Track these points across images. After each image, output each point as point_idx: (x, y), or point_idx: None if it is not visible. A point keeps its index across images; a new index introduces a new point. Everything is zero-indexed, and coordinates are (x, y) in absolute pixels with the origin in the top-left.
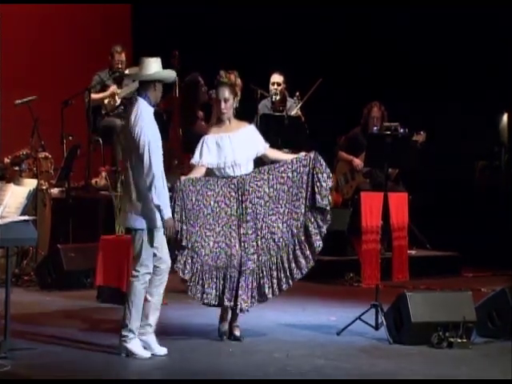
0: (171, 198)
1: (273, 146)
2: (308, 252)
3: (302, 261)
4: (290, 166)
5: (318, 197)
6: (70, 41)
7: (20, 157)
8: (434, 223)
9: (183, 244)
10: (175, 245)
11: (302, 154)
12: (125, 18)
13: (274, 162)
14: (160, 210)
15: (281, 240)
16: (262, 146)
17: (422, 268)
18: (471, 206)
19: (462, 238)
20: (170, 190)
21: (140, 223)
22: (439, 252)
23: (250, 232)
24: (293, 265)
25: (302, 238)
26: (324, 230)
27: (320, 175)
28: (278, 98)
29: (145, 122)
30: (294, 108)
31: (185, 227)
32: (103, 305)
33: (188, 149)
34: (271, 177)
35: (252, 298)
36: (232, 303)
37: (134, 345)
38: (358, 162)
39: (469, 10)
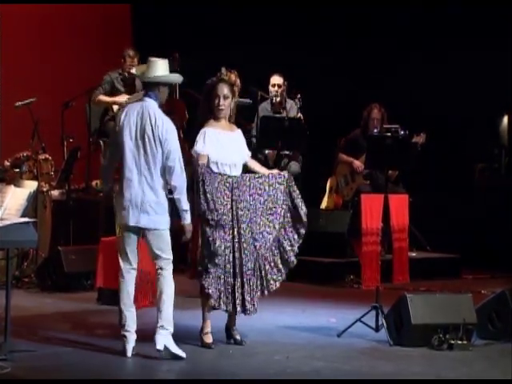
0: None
1: (273, 147)
2: (281, 266)
3: (276, 272)
4: (266, 180)
5: (301, 212)
6: (70, 41)
7: (20, 159)
8: (434, 225)
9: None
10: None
11: (276, 171)
12: (125, 18)
13: (250, 171)
14: (186, 214)
15: (260, 248)
16: (246, 154)
17: (423, 270)
18: (471, 208)
19: (462, 240)
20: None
21: (168, 223)
22: (439, 254)
23: (241, 233)
24: (269, 276)
25: (275, 251)
26: (296, 248)
27: (296, 193)
28: (277, 99)
29: (171, 126)
30: (294, 110)
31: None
32: (104, 307)
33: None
34: (251, 185)
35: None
36: (225, 306)
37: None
38: (358, 163)
39: (468, 11)
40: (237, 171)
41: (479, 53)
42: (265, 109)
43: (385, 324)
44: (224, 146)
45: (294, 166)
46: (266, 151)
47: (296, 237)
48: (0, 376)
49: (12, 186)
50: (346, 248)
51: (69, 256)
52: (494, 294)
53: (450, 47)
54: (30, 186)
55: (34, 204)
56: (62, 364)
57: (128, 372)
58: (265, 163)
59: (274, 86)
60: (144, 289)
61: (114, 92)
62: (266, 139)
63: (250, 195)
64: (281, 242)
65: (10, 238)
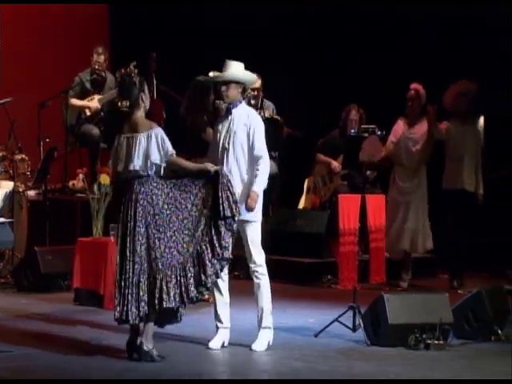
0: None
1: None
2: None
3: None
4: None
5: None
6: (46, 41)
7: None
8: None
9: None
10: None
11: None
12: (102, 18)
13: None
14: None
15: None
16: None
17: (399, 270)
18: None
19: (438, 240)
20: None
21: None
22: (415, 254)
23: None
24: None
25: None
26: None
27: None
28: (255, 102)
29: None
30: (271, 109)
31: None
32: (80, 307)
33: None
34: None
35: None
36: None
37: None
38: (335, 164)
39: (463, 12)
40: None
41: (475, 53)
42: None
43: (362, 324)
44: None
45: (271, 166)
46: None
47: None
48: None
49: None
50: (323, 248)
51: (45, 256)
52: (471, 294)
53: (445, 45)
54: (6, 186)
55: (10, 204)
56: (38, 365)
57: (107, 372)
58: None
59: (253, 89)
60: None
61: (83, 93)
62: None
63: None
64: None
65: None
